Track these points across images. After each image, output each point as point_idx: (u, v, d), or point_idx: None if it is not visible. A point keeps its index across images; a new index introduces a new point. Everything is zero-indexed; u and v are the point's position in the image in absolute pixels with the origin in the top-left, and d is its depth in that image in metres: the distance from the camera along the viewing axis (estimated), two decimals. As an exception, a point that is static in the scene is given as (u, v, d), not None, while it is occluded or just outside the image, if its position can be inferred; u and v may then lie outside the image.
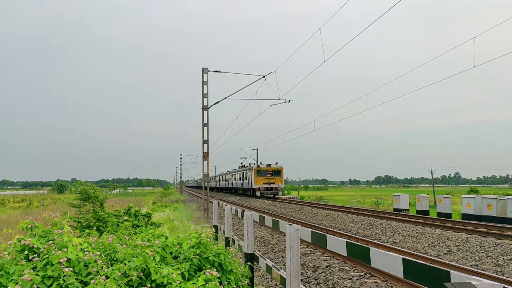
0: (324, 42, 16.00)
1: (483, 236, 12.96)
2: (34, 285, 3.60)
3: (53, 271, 3.79)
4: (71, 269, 3.80)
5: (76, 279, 3.81)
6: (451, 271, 2.12)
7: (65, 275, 3.71)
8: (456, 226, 15.15)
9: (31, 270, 3.79)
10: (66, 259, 3.88)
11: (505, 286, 1.83)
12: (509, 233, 13.17)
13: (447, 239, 12.94)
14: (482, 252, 10.89)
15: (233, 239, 8.02)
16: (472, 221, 16.90)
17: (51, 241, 4.26)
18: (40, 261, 3.95)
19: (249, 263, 5.77)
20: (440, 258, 10.40)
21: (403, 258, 2.55)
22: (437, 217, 19.07)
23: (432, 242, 12.70)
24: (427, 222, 16.77)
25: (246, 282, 5.12)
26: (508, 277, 8.36)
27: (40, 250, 4.16)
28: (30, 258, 4.05)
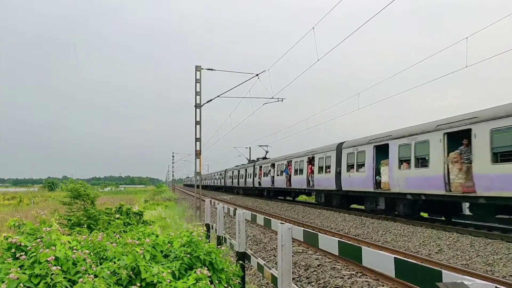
0: (318, 41, 15.99)
1: (474, 236, 13.06)
2: (21, 284, 3.53)
3: (40, 269, 3.73)
4: (59, 267, 3.74)
5: (64, 277, 3.74)
6: (443, 271, 2.10)
7: (52, 274, 3.64)
8: (447, 225, 15.24)
9: (18, 268, 3.72)
10: (54, 257, 3.81)
11: (497, 286, 1.82)
12: (498, 232, 13.27)
13: (438, 238, 13.02)
14: (473, 252, 10.97)
15: (225, 237, 7.99)
16: (462, 221, 17.00)
17: (39, 239, 4.19)
18: (28, 259, 3.88)
19: (240, 261, 5.74)
20: (431, 257, 10.46)
21: (395, 258, 2.53)
22: (428, 217, 19.17)
23: (423, 241, 12.77)
24: (417, 221, 16.85)
25: (238, 281, 5.09)
26: (497, 276, 8.42)
27: (28, 248, 4.09)
28: (17, 256, 3.98)
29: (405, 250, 11.55)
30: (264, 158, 43.76)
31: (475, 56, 14.03)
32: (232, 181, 53.87)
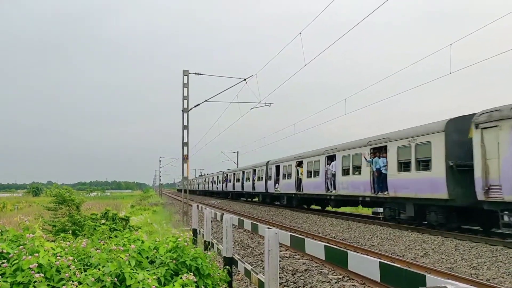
0: (305, 47, 16.11)
1: (458, 239, 13.22)
2: (2, 292, 3.47)
3: (23, 277, 3.66)
4: (42, 274, 3.68)
5: (48, 285, 3.69)
6: (427, 275, 2.13)
7: (35, 281, 3.58)
8: (432, 229, 15.40)
9: (-1, 276, 3.65)
10: (37, 264, 3.75)
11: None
12: (482, 236, 13.46)
13: (423, 242, 13.15)
14: (458, 255, 11.10)
15: (212, 242, 7.95)
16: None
17: (22, 246, 4.11)
18: (10, 266, 3.80)
19: (227, 267, 5.72)
20: (417, 261, 10.55)
21: (380, 262, 2.55)
22: (414, 220, 19.34)
23: (408, 245, 12.89)
24: (403, 225, 17.00)
25: (224, 286, 5.07)
26: (481, 280, 8.54)
27: (10, 256, 4.01)
28: (-1, 264, 3.90)
29: (391, 254, 11.64)
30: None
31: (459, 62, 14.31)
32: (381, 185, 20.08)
